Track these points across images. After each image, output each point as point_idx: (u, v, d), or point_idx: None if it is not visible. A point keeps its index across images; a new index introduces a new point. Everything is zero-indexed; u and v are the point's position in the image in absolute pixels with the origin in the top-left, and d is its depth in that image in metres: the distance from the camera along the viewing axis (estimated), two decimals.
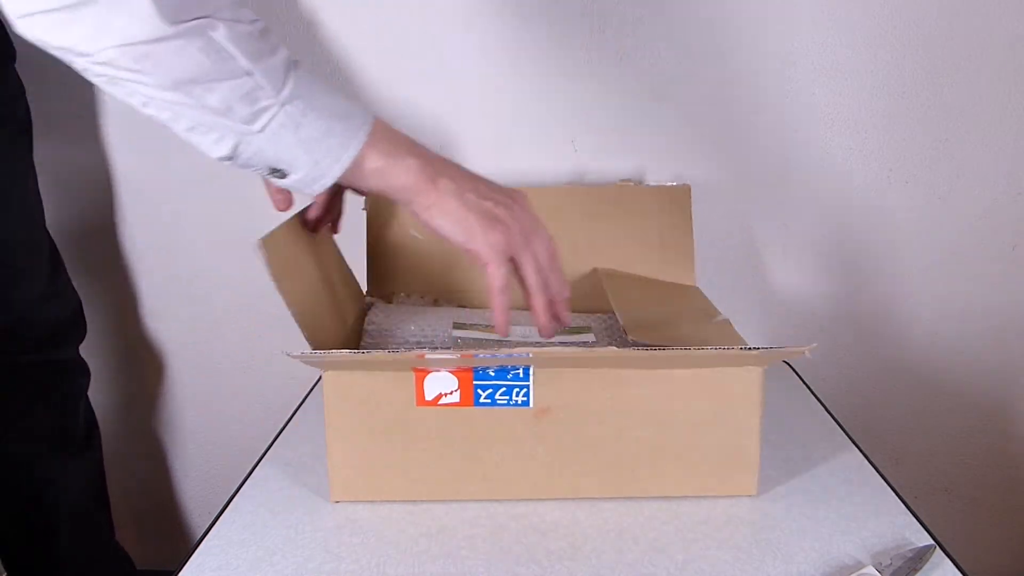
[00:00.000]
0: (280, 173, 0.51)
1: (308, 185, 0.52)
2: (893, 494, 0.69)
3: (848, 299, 1.06)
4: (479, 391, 0.63)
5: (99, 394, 1.08)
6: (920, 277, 1.05)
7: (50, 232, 0.96)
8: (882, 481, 0.71)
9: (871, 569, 0.57)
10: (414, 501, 0.67)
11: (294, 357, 0.56)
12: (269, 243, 0.58)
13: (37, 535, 0.98)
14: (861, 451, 0.77)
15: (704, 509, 0.66)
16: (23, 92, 0.91)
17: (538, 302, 0.60)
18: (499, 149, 1.01)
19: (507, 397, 0.63)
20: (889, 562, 0.58)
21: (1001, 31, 0.95)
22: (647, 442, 0.65)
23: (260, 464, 0.77)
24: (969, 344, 1.08)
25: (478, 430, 0.64)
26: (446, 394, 0.63)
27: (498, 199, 0.57)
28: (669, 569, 0.59)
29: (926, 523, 0.64)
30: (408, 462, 0.65)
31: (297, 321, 0.59)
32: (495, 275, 0.56)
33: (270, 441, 0.82)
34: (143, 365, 1.13)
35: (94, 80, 0.48)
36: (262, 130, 0.48)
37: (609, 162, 1.00)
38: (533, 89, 0.98)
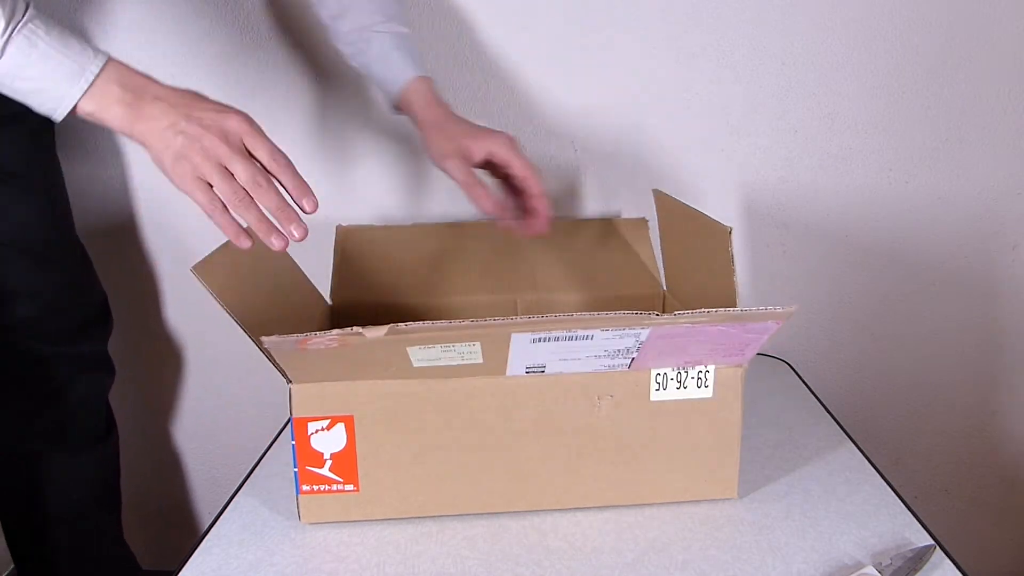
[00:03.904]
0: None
1: (49, 114, 0.58)
2: (893, 494, 0.69)
3: (848, 299, 1.06)
4: None
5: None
6: (920, 277, 1.05)
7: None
8: (882, 481, 0.71)
9: (871, 569, 0.57)
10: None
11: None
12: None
13: (43, 532, 0.97)
14: (861, 451, 0.77)
15: (704, 509, 0.67)
16: None
17: (249, 215, 0.58)
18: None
19: None
20: (889, 562, 0.58)
21: (1001, 31, 0.95)
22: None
23: (260, 464, 0.77)
24: (970, 344, 1.08)
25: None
26: None
27: (203, 118, 0.57)
28: (669, 569, 0.59)
29: (926, 523, 0.64)
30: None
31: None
32: (200, 204, 0.58)
33: (270, 441, 0.82)
34: (142, 368, 1.13)
35: None
36: None
37: (610, 163, 1.00)
38: (534, 88, 0.98)
